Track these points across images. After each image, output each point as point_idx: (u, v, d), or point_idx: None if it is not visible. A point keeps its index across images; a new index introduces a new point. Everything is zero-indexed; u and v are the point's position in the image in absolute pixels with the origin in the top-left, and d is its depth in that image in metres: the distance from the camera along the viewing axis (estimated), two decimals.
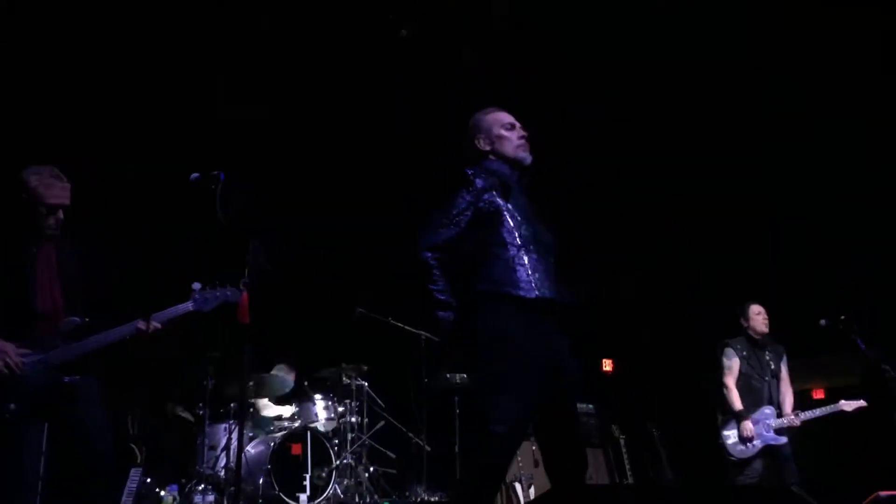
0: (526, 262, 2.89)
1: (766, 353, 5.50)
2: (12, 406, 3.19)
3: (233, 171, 3.60)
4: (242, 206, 3.47)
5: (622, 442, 6.99)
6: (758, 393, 5.41)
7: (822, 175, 6.65)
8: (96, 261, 3.55)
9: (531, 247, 2.94)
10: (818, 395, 5.54)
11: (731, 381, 5.46)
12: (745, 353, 5.48)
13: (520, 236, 2.93)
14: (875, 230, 6.60)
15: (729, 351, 5.52)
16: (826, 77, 6.22)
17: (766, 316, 5.52)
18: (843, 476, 6.36)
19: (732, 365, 5.49)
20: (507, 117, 3.20)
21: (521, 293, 2.83)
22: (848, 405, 5.38)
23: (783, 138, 6.76)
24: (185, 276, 3.63)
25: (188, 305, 3.50)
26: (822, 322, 5.24)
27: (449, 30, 6.22)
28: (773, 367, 5.47)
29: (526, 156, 3.13)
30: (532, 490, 6.03)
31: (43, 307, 3.34)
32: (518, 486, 6.05)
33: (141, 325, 3.38)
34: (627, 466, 6.88)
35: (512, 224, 2.94)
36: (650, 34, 6.34)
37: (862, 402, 5.38)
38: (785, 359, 5.57)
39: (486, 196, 2.95)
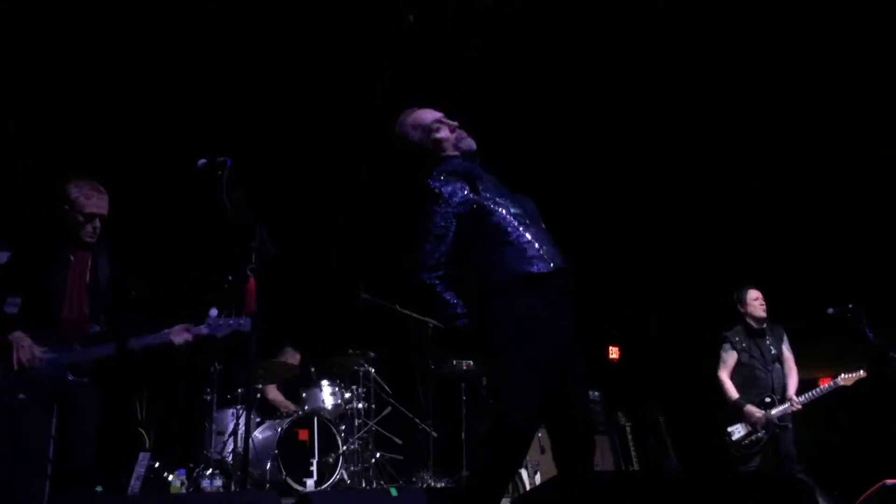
0: (530, 238, 2.87)
1: (766, 339, 5.43)
2: (21, 396, 3.41)
3: (239, 157, 3.62)
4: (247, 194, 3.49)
5: (628, 429, 7.01)
6: (763, 383, 5.34)
7: (828, 161, 6.62)
8: (123, 271, 3.85)
9: (527, 221, 2.92)
10: (825, 383, 5.50)
11: (724, 374, 5.42)
12: (744, 344, 5.42)
13: (513, 216, 2.90)
14: (879, 216, 6.56)
15: (726, 344, 5.47)
16: (824, 64, 6.19)
17: (763, 301, 5.45)
18: (849, 464, 6.35)
19: (728, 358, 5.44)
20: (429, 115, 3.13)
21: (538, 269, 2.81)
22: (847, 379, 5.30)
23: (786, 123, 6.73)
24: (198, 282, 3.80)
25: (202, 329, 3.75)
26: (830, 310, 5.21)
27: (454, 16, 6.19)
28: (773, 351, 5.40)
29: (470, 143, 3.09)
30: (538, 476, 6.06)
31: (69, 311, 3.61)
32: (524, 473, 6.08)
33: (181, 336, 3.68)
34: (633, 453, 6.91)
35: (499, 209, 2.90)
36: (644, 24, 6.31)
37: (861, 373, 5.30)
38: (786, 339, 5.49)
39: (457, 199, 2.89)
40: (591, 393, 6.86)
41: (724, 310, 5.70)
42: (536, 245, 2.86)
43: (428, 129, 3.09)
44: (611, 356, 8.57)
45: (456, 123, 3.11)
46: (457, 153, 3.07)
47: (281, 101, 6.51)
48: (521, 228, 2.88)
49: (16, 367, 3.39)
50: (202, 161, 3.66)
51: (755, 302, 5.45)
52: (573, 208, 7.00)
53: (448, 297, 2.86)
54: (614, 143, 7.22)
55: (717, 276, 6.81)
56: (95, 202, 3.64)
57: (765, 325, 5.46)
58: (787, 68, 6.24)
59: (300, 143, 6.75)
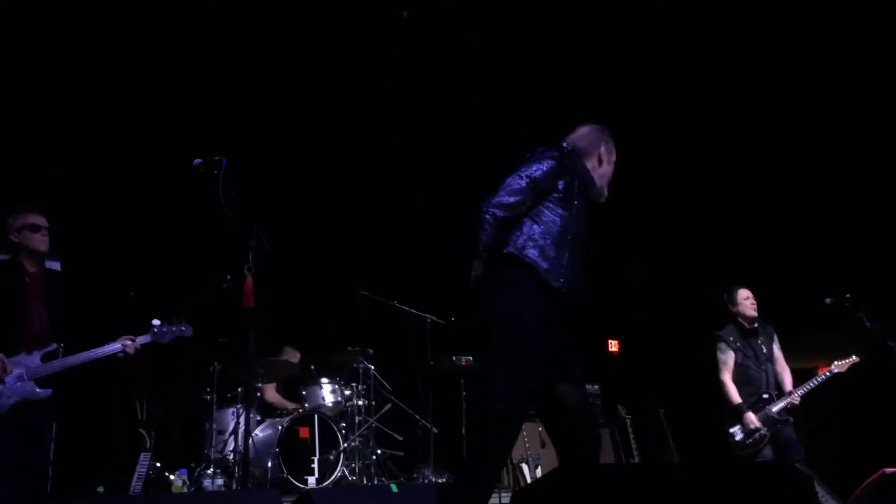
0: (567, 255, 2.95)
1: (758, 338, 5.41)
2: None
3: (235, 156, 3.62)
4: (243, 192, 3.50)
5: (628, 422, 7.01)
6: (757, 381, 5.32)
7: (822, 155, 6.63)
8: (72, 288, 4.11)
9: (576, 244, 3.01)
10: (823, 372, 5.51)
11: (727, 376, 5.37)
12: (738, 343, 5.39)
13: (570, 232, 3.00)
14: (874, 205, 6.57)
15: (722, 345, 5.43)
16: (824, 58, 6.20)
17: (754, 300, 5.42)
18: (848, 454, 6.37)
19: (727, 359, 5.40)
20: (614, 151, 3.29)
21: (552, 281, 2.89)
22: (841, 365, 5.31)
23: (783, 121, 6.73)
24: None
25: (146, 337, 4.07)
26: (828, 300, 5.20)
27: (450, 12, 6.18)
28: (765, 350, 5.39)
29: (606, 194, 3.25)
30: (538, 471, 6.07)
31: (32, 329, 3.86)
32: (525, 467, 6.09)
33: (128, 343, 3.94)
34: (634, 446, 6.91)
35: (570, 218, 3.00)
36: (648, 23, 6.32)
37: (854, 358, 5.31)
38: (776, 338, 5.48)
39: (568, 176, 3.03)
40: (591, 386, 6.88)
41: (723, 302, 5.70)
42: (566, 264, 2.93)
43: (610, 152, 3.25)
44: (610, 349, 8.58)
45: None
46: (598, 177, 3.20)
47: (280, 100, 6.51)
48: (567, 245, 2.97)
49: None
50: (198, 160, 3.67)
51: (746, 301, 5.43)
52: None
53: (490, 238, 2.91)
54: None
55: (715, 267, 6.83)
56: (33, 216, 3.97)
57: (756, 325, 5.46)
58: (783, 62, 6.25)
59: (300, 142, 6.75)
